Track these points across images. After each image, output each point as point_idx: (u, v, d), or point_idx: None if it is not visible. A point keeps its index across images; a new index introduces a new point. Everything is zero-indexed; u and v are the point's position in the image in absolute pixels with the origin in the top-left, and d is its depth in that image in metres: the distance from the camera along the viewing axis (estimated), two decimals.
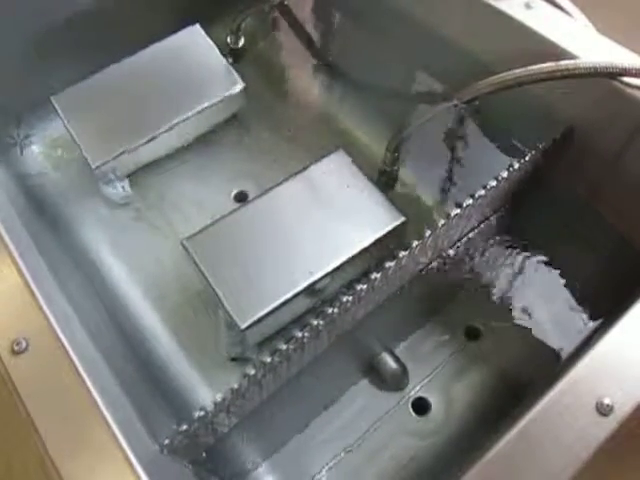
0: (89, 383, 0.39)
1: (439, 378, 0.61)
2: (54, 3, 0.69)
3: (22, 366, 0.39)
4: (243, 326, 0.55)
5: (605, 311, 0.54)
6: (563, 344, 0.61)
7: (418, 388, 0.60)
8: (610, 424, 0.36)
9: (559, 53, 0.50)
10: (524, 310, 0.63)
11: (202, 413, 0.40)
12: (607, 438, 0.36)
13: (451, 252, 0.55)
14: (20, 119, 0.75)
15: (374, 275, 0.46)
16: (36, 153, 0.75)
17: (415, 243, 0.47)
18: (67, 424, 0.38)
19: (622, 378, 0.37)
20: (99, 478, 0.36)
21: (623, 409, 0.36)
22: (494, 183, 0.49)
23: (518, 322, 0.63)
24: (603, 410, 0.36)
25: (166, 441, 0.40)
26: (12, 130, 0.75)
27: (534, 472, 0.36)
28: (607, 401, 0.36)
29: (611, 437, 0.36)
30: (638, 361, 0.38)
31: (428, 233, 0.48)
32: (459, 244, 0.55)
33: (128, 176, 0.71)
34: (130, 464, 0.37)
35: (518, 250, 0.65)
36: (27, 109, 0.74)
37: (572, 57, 0.50)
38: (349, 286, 0.50)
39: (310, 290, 0.57)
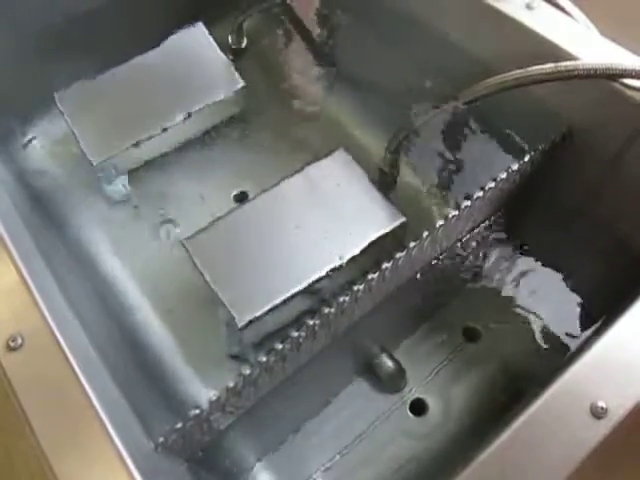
0: (84, 380, 0.39)
1: (437, 379, 0.60)
2: (57, 1, 0.69)
3: (17, 362, 0.39)
4: (241, 325, 0.55)
5: (604, 313, 0.54)
6: (562, 346, 0.61)
7: (416, 389, 0.60)
8: (604, 427, 0.36)
9: (559, 54, 0.50)
10: (523, 311, 0.63)
11: (197, 411, 0.40)
12: (601, 441, 0.36)
13: (450, 253, 0.55)
14: (23, 115, 0.75)
15: (371, 276, 0.46)
16: (38, 149, 0.75)
17: (412, 244, 0.47)
18: (61, 421, 0.38)
19: (617, 381, 0.37)
20: (93, 476, 0.36)
21: (617, 412, 0.36)
22: (492, 184, 0.49)
23: (517, 323, 0.63)
24: (597, 413, 0.36)
25: (161, 439, 0.40)
26: (15, 126, 0.75)
27: (528, 474, 0.36)
28: (601, 404, 0.36)
29: (605, 440, 0.36)
30: (632, 364, 0.38)
31: (426, 234, 0.48)
32: (458, 245, 0.55)
33: (128, 174, 0.71)
34: (124, 462, 0.37)
35: (517, 251, 0.65)
36: (30, 106, 0.75)
37: (572, 58, 0.49)
38: (347, 287, 0.50)
39: (309, 290, 0.57)
